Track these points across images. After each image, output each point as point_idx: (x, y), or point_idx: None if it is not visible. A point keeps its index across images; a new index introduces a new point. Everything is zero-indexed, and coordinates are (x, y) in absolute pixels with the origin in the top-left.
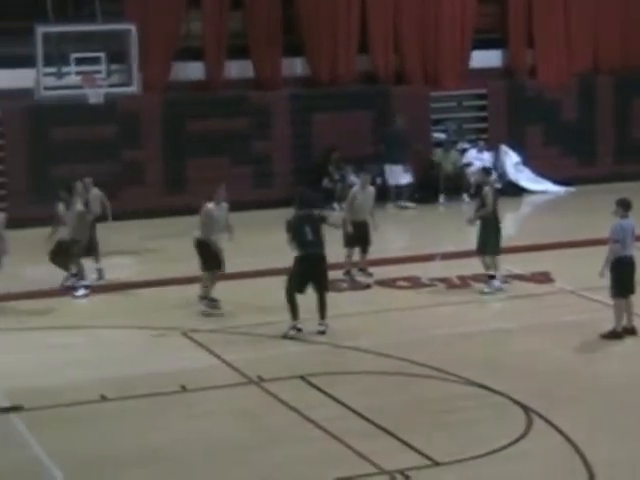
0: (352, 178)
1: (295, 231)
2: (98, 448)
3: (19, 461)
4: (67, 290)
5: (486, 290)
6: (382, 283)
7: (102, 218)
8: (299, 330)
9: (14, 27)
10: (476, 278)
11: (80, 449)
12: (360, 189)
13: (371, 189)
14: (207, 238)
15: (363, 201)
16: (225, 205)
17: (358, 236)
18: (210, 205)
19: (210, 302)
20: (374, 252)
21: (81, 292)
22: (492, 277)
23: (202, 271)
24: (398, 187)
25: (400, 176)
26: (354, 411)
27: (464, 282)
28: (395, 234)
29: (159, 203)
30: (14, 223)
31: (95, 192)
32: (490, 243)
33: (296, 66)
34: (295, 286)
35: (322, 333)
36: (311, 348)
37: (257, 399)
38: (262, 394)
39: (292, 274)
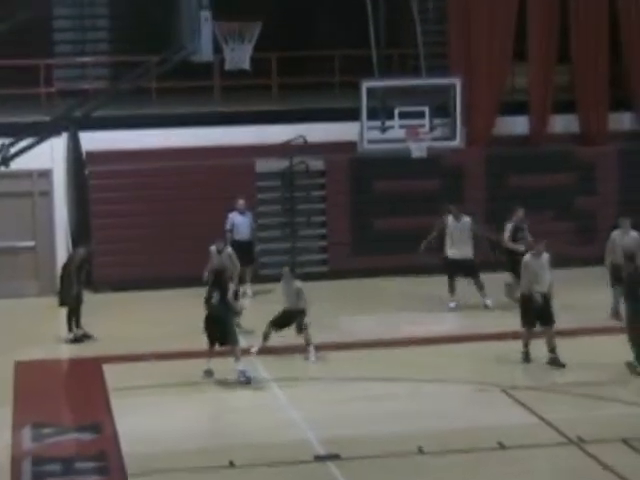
0: None
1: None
2: None
3: None
4: None
5: None
6: None
7: None
8: None
9: (340, 82)
10: None
11: None
12: (621, 233)
13: (633, 234)
14: (528, 292)
15: (624, 244)
16: (546, 257)
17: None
18: (527, 256)
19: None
20: None
21: None
22: None
23: (522, 326)
24: None
25: None
26: None
27: None
28: None
29: None
30: (335, 274)
31: None
32: None
33: (624, 121)
34: None
35: None
36: (634, 410)
37: (577, 461)
38: (582, 456)
39: None
